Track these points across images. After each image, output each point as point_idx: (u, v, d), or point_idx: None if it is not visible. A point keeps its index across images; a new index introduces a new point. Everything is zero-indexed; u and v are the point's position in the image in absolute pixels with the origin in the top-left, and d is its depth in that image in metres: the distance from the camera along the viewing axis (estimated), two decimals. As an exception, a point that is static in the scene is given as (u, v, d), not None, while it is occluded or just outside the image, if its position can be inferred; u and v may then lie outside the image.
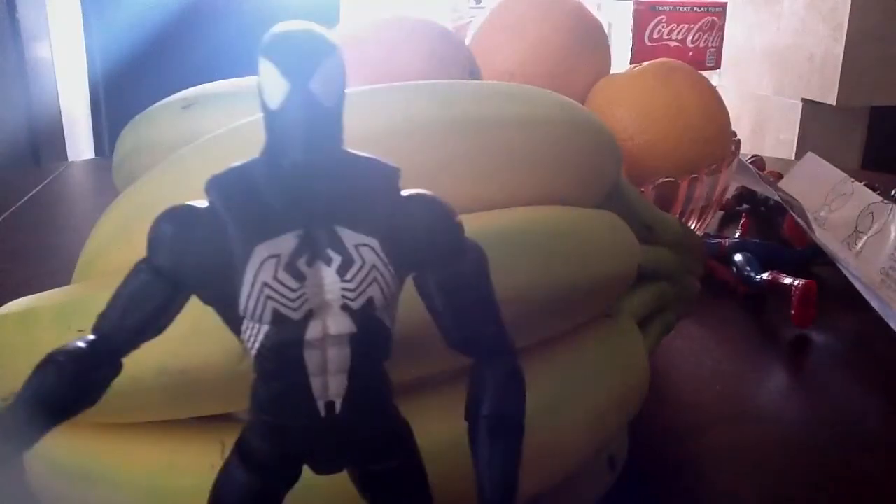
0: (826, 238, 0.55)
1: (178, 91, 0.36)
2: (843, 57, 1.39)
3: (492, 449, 0.17)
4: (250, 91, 0.34)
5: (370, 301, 0.16)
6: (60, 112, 1.71)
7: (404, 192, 0.17)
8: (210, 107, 0.34)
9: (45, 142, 1.63)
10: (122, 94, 1.16)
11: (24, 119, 1.58)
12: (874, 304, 0.45)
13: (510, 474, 0.17)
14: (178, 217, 0.16)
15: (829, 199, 0.60)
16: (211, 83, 0.36)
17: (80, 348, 0.16)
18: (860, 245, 0.54)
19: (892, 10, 1.37)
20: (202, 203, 0.16)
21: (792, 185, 0.63)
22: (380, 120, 0.25)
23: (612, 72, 0.55)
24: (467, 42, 0.53)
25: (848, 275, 0.48)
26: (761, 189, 0.62)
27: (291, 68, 0.14)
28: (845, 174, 0.61)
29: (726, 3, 0.64)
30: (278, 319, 0.16)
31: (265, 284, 0.15)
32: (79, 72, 1.26)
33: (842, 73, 1.40)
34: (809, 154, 0.67)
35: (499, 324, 0.17)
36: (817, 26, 1.46)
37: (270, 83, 0.15)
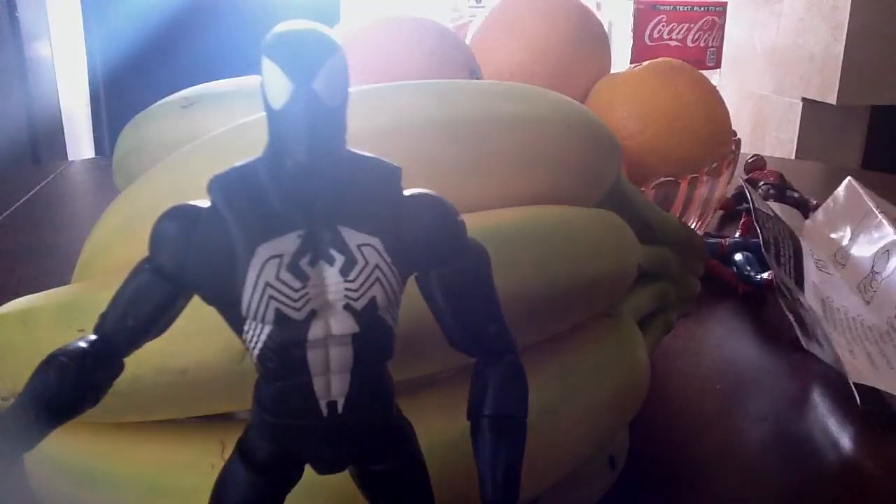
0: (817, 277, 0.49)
1: (178, 91, 0.36)
2: (844, 56, 1.39)
3: (494, 448, 0.17)
4: (250, 91, 0.34)
5: (373, 301, 0.16)
6: (60, 112, 1.71)
7: (406, 192, 0.17)
8: (210, 106, 0.34)
9: (45, 141, 1.63)
10: (122, 93, 1.16)
11: (24, 119, 1.58)
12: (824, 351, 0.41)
13: (512, 473, 0.17)
14: (180, 216, 0.16)
15: (857, 233, 0.53)
16: (211, 83, 0.36)
17: (81, 348, 0.16)
18: (875, 290, 0.47)
19: (892, 10, 1.37)
20: (204, 203, 0.16)
21: (830, 215, 0.58)
22: (380, 119, 0.25)
23: (612, 71, 0.55)
24: (467, 42, 0.53)
25: (802, 310, 0.43)
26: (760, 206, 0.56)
27: (295, 68, 0.14)
28: (872, 206, 0.54)
29: (726, 3, 0.64)
30: (281, 320, 0.16)
31: (268, 284, 0.15)
32: (79, 71, 1.26)
33: (842, 72, 1.40)
34: (848, 179, 0.59)
35: (501, 323, 0.18)
36: (817, 26, 1.46)
37: (273, 83, 0.15)
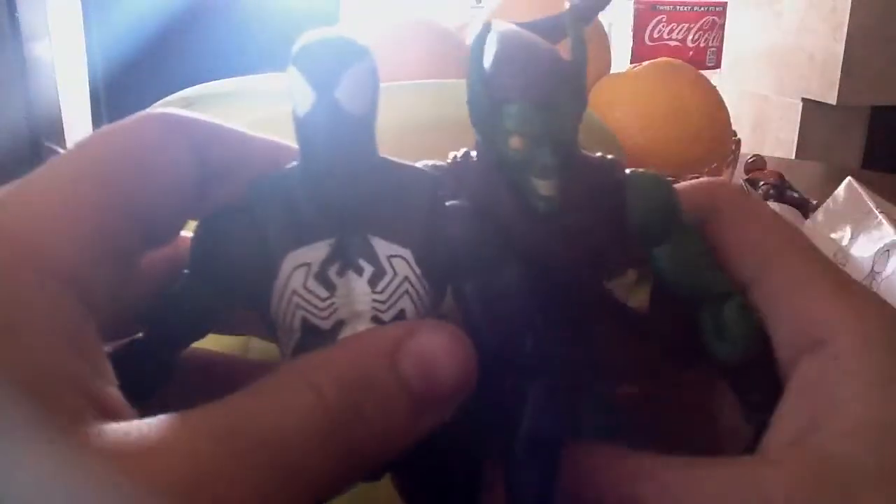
0: None
1: (178, 91, 0.36)
2: (844, 57, 1.39)
3: (525, 472, 0.16)
4: (250, 91, 0.34)
5: (401, 313, 0.16)
6: (60, 112, 1.71)
7: (448, 203, 0.16)
8: (210, 107, 0.34)
9: (45, 141, 1.63)
10: (122, 93, 1.16)
11: (24, 119, 1.58)
12: None
13: (543, 498, 0.16)
14: (218, 222, 0.16)
15: (857, 234, 0.53)
16: (211, 83, 0.36)
17: (128, 348, 0.16)
18: (875, 290, 0.44)
19: (892, 10, 1.37)
20: (242, 207, 0.16)
21: (829, 215, 0.57)
22: (380, 119, 0.25)
23: (612, 71, 0.55)
24: (467, 42, 0.53)
25: None
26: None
27: (316, 77, 0.14)
28: (872, 206, 0.53)
29: (726, 3, 0.64)
30: (307, 328, 0.15)
31: (294, 293, 0.15)
32: (79, 72, 1.26)
33: (842, 72, 1.40)
34: (848, 179, 0.58)
35: (542, 337, 0.16)
36: (817, 26, 1.46)
37: (298, 92, 0.14)
